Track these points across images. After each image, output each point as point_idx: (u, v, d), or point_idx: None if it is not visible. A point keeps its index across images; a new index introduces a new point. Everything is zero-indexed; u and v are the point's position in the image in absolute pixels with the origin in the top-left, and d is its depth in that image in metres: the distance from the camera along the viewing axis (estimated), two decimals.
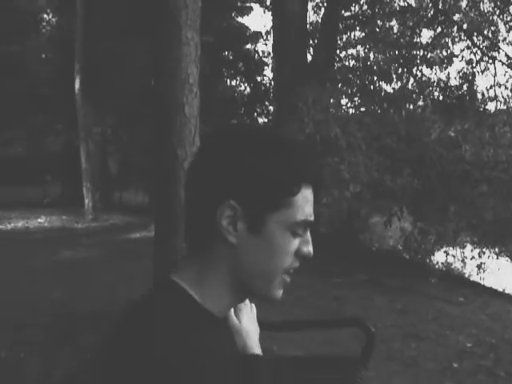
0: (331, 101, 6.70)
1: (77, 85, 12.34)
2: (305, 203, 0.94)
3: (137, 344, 0.85)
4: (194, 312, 0.92)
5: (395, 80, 12.01)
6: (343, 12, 11.48)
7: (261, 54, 16.66)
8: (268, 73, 22.96)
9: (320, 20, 11.91)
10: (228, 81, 18.07)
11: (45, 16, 22.51)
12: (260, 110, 17.11)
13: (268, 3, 15.53)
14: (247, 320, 1.23)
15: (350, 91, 10.52)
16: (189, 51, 4.26)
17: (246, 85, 17.54)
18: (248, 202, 0.91)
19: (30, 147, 17.10)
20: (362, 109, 10.36)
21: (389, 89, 11.97)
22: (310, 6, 12.33)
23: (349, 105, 10.74)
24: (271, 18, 12.70)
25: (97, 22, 12.61)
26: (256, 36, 16.38)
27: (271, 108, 16.03)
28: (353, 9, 11.89)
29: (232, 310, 1.19)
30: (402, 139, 6.76)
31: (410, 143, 6.66)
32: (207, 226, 0.92)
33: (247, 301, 1.25)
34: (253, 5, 16.88)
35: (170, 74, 4.27)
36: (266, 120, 16.65)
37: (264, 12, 16.63)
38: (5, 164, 23.78)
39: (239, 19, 16.98)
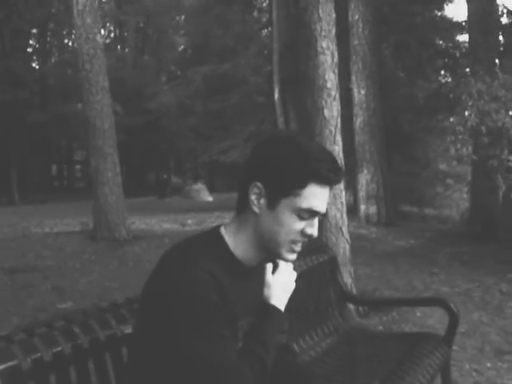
0: (502, 91, 6.39)
1: (276, 94, 13.38)
2: (311, 196, 1.31)
3: (161, 268, 1.30)
4: (222, 252, 1.35)
5: None
6: None
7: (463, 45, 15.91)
8: None
9: None
10: (432, 76, 17.61)
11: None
12: None
13: None
14: (281, 278, 1.48)
15: None
16: (325, 59, 4.68)
17: (449, 78, 16.92)
18: (268, 186, 1.32)
19: (245, 154, 18.80)
20: None
21: None
22: None
23: None
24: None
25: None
26: (457, 26, 15.76)
27: None
28: None
29: (271, 267, 1.49)
30: None
31: None
32: (244, 197, 1.36)
33: (291, 265, 1.53)
34: None
35: (309, 80, 4.75)
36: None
37: None
38: (225, 170, 26.43)
39: (438, 12, 16.51)
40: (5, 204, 23.87)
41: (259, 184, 1.31)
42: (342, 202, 4.77)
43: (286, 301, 1.48)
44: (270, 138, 1.41)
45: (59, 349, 1.49)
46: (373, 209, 11.39)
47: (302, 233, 1.34)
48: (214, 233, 1.40)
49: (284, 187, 1.30)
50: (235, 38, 21.51)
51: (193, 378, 1.24)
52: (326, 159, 1.32)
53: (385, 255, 7.91)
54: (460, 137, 6.36)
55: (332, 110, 4.72)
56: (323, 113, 4.70)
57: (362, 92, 11.35)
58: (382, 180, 11.46)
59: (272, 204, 1.32)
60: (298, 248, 1.36)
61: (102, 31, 41.63)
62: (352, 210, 12.76)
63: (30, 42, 33.73)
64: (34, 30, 31.76)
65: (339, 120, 4.80)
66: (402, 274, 6.64)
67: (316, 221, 1.35)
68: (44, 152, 36.66)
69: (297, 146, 1.32)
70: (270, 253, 1.39)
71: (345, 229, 4.81)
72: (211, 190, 24.42)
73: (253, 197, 1.33)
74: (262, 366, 1.31)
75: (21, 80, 24.70)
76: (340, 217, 4.77)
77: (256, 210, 1.33)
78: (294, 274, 1.54)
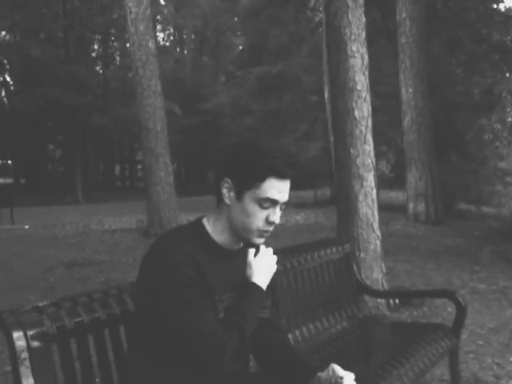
0: None
1: (326, 94, 13.57)
2: (270, 188, 1.57)
3: (149, 253, 1.58)
4: (203, 238, 1.62)
5: None
6: None
7: None
8: None
9: None
10: (488, 72, 17.20)
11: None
12: None
13: None
14: (262, 261, 1.72)
15: None
16: (355, 62, 4.86)
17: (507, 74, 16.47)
18: (236, 180, 1.60)
19: (297, 153, 18.95)
20: None
21: None
22: None
23: None
24: None
25: None
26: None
27: None
28: None
29: (253, 251, 1.72)
30: None
31: None
32: (219, 191, 1.64)
33: (271, 250, 1.78)
34: None
35: (340, 83, 4.94)
36: None
37: None
38: None
39: (496, 4, 16.11)
40: (69, 203, 25.10)
41: (228, 179, 1.59)
42: (372, 200, 4.93)
43: (267, 280, 1.71)
44: (237, 142, 1.68)
45: (80, 319, 1.79)
46: (421, 207, 11.36)
47: (267, 220, 1.59)
48: (197, 223, 1.67)
49: (247, 181, 1.56)
50: (290, 37, 21.72)
51: (178, 345, 1.51)
52: (283, 156, 1.58)
53: (428, 253, 7.96)
54: (499, 134, 6.35)
55: (362, 111, 4.89)
56: (353, 114, 4.87)
57: (410, 90, 11.33)
58: (431, 178, 11.41)
59: (239, 196, 1.58)
60: (266, 234, 1.62)
61: (162, 35, 42.85)
62: (404, 208, 12.75)
63: (95, 47, 35.16)
64: (97, 36, 33.02)
65: (370, 120, 4.96)
66: (442, 272, 6.70)
67: (278, 210, 1.60)
68: (107, 153, 38.08)
69: (257, 146, 1.60)
70: (241, 238, 1.65)
71: (376, 225, 4.96)
72: None
73: (224, 190, 1.60)
74: (241, 333, 1.56)
75: (84, 85, 25.85)
76: (371, 214, 4.93)
77: (227, 201, 1.61)
78: (275, 257, 1.78)
